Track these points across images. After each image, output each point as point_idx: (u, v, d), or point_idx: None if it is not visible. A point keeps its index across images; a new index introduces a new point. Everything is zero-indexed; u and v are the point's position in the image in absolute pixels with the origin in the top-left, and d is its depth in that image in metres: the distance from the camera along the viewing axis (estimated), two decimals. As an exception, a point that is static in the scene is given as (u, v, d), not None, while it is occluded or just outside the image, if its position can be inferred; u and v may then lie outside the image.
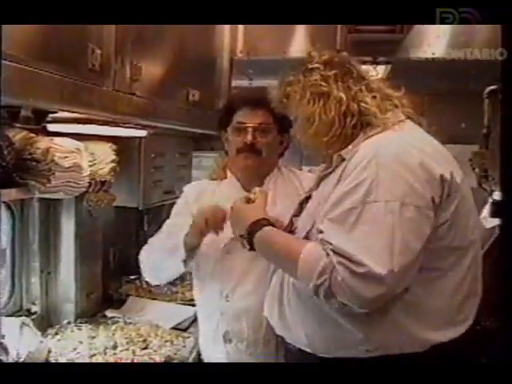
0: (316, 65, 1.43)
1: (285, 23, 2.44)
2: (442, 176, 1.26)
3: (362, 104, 1.39)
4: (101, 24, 1.47)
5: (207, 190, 1.94)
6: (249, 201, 1.53)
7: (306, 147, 1.52)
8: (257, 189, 1.59)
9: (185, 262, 1.76)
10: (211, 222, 1.67)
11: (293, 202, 1.77)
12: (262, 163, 1.85)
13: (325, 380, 1.32)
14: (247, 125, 1.81)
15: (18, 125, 1.41)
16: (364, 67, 1.50)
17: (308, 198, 1.54)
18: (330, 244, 1.23)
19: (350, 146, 1.38)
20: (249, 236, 1.44)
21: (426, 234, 1.25)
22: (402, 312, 1.29)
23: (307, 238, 1.39)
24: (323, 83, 1.41)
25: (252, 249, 1.44)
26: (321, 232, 1.29)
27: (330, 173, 1.42)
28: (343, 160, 1.37)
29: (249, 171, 1.86)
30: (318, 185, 1.50)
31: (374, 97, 1.40)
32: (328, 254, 1.23)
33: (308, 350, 1.41)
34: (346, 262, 1.19)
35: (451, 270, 1.32)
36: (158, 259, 1.85)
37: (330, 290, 1.22)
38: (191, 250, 1.74)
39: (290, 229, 1.54)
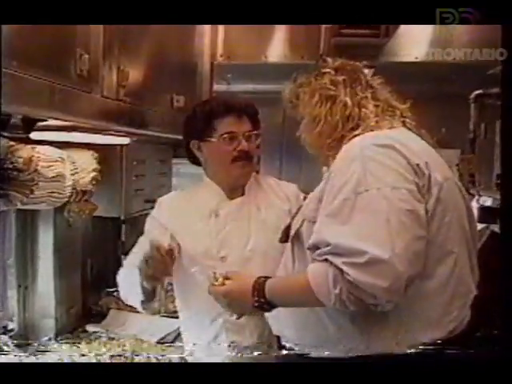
0: (328, 69, 1.50)
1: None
2: (418, 165, 1.28)
3: (363, 109, 1.44)
4: (95, 24, 1.42)
5: (182, 200, 1.89)
6: (223, 283, 1.47)
7: (309, 147, 1.55)
8: (216, 273, 1.50)
9: (143, 302, 1.66)
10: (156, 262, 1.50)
11: (279, 208, 1.81)
12: (253, 170, 1.87)
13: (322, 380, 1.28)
14: (238, 133, 1.76)
15: (5, 134, 1.33)
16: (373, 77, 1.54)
17: None
18: (328, 245, 1.23)
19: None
20: (263, 300, 1.38)
21: (422, 215, 1.26)
22: (384, 313, 1.28)
23: (296, 235, 1.43)
24: (332, 87, 1.46)
25: (273, 307, 1.39)
26: (317, 232, 1.29)
27: None
28: None
29: (243, 179, 1.83)
30: None
31: (377, 105, 1.45)
32: (331, 262, 1.21)
33: (298, 348, 1.44)
34: (348, 259, 1.18)
35: (433, 272, 1.31)
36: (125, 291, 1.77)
37: (353, 295, 1.19)
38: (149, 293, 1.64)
39: None
